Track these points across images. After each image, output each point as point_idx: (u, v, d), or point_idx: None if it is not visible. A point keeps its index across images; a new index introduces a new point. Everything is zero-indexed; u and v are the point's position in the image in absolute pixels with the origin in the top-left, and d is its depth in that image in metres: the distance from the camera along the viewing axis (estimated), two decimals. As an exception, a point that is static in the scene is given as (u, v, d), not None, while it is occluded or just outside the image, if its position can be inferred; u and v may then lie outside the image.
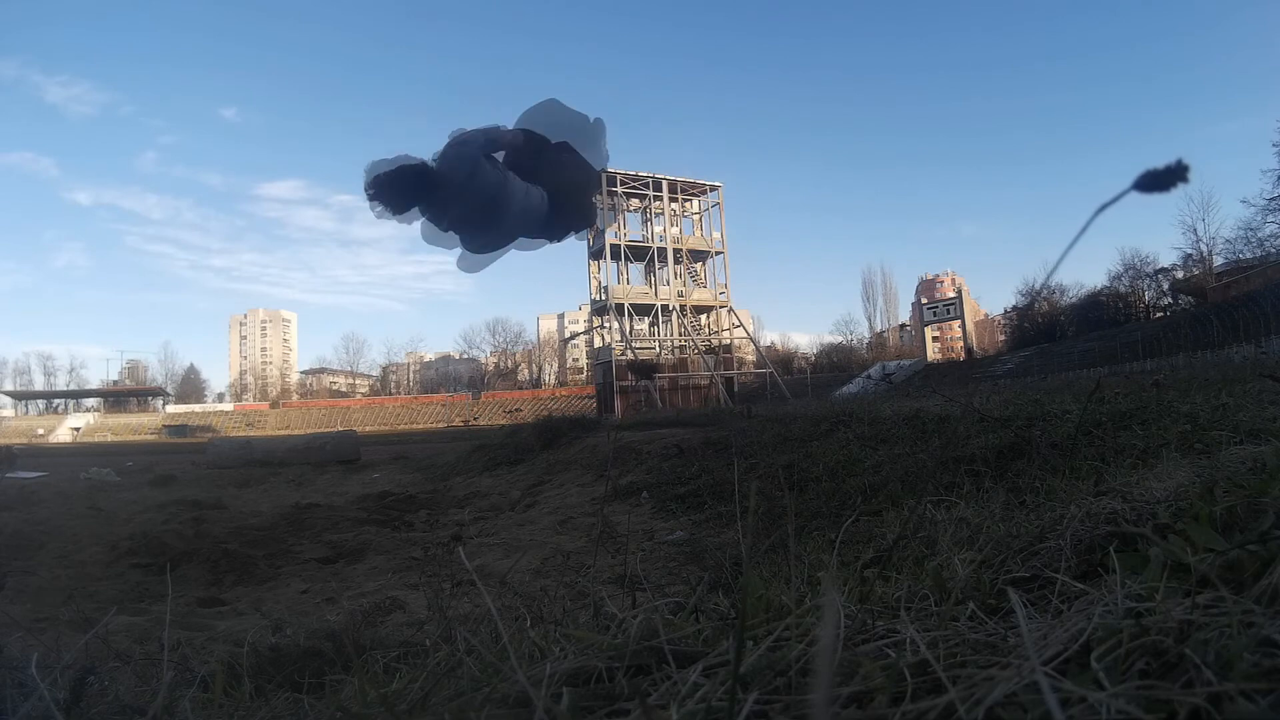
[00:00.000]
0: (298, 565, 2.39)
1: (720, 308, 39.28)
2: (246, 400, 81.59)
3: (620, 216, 37.10)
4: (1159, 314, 37.08)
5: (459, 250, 2.24)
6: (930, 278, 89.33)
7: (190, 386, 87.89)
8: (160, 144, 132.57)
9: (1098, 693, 0.41)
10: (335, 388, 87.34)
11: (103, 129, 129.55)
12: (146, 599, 1.92)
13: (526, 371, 78.34)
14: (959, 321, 44.28)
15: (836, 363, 58.33)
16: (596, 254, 36.87)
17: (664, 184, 37.51)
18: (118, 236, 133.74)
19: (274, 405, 74.90)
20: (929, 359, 43.96)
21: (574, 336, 64.56)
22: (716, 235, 39.06)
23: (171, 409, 71.01)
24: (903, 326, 68.55)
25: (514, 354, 78.38)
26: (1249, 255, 32.27)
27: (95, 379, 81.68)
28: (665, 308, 37.32)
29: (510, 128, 2.16)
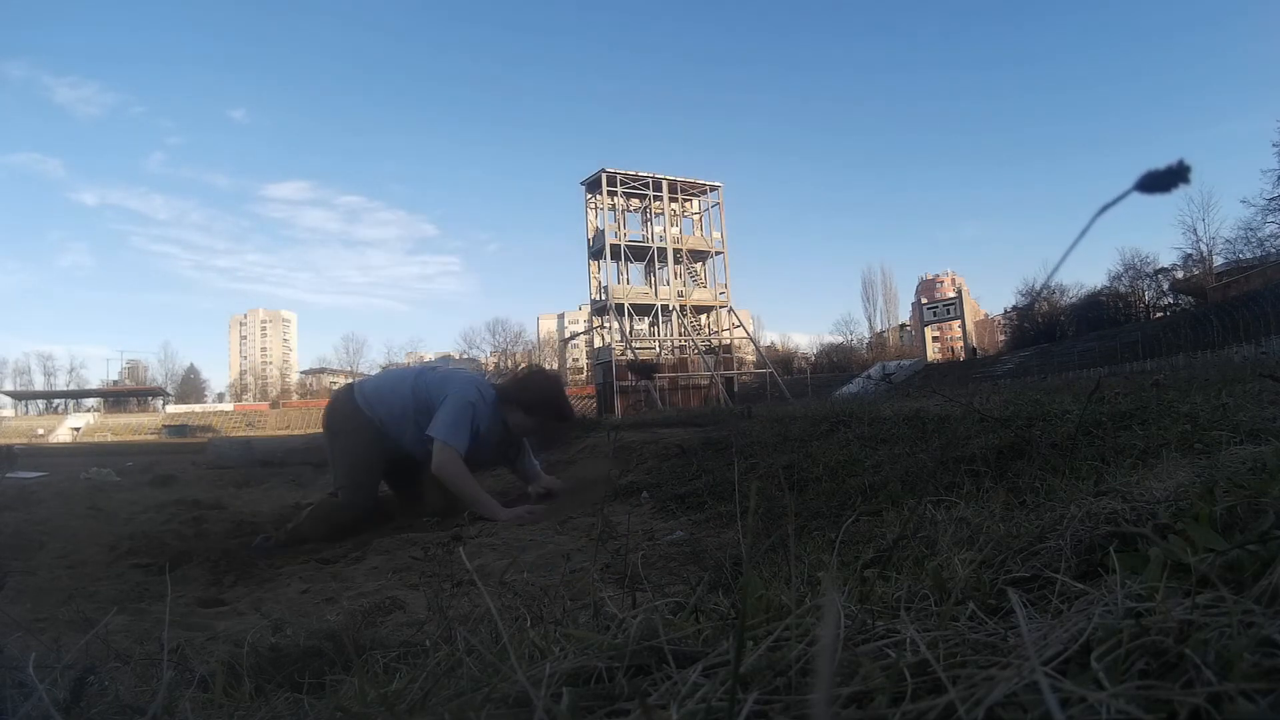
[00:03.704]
0: (298, 565, 2.39)
1: (720, 308, 39.27)
2: (246, 400, 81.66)
3: (620, 216, 37.11)
4: (1159, 314, 37.09)
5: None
6: (930, 278, 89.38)
7: (190, 386, 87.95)
8: (168, 145, 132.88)
9: (1098, 693, 0.41)
10: (335, 388, 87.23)
11: (110, 130, 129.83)
12: (146, 599, 1.92)
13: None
14: (959, 321, 44.27)
15: (836, 363, 58.33)
16: (596, 254, 36.88)
17: (664, 184, 37.49)
18: (123, 237, 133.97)
19: (274, 405, 74.95)
20: (929, 359, 43.95)
21: (574, 336, 64.55)
22: (716, 235, 39.06)
23: (171, 409, 71.04)
24: (903, 326, 68.53)
25: (514, 354, 78.39)
26: (1249, 255, 32.30)
27: (95, 379, 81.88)
28: (665, 308, 37.31)
29: None
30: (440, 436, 3.13)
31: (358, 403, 3.38)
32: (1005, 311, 54.38)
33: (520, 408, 3.35)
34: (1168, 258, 39.37)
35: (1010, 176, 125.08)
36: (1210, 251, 35.24)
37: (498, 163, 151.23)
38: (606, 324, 36.98)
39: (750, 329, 48.18)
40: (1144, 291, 40.07)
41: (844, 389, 31.29)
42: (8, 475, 6.15)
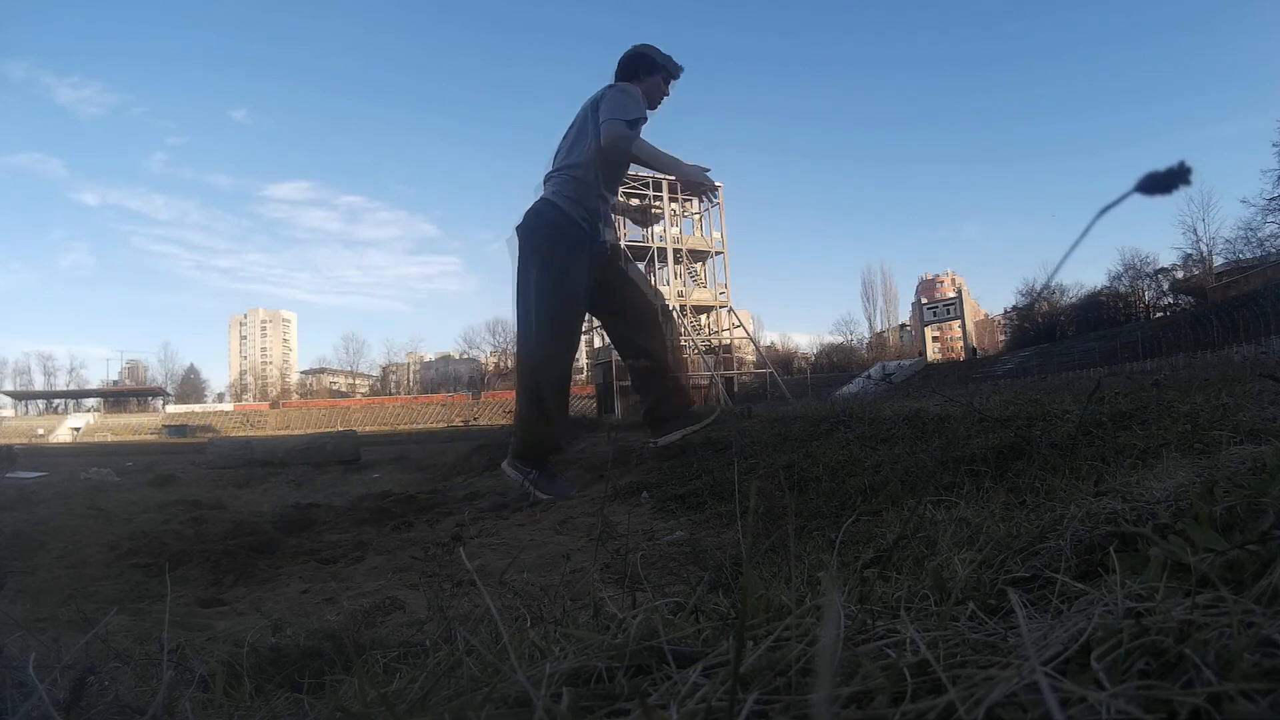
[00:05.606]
0: (298, 565, 2.39)
1: (720, 308, 39.26)
2: (246, 400, 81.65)
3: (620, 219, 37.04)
4: (1159, 314, 37.12)
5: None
6: (930, 278, 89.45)
7: (190, 386, 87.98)
8: (169, 145, 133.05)
9: (1098, 693, 0.41)
10: (335, 388, 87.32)
11: (112, 130, 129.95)
12: (146, 599, 1.92)
13: (526, 371, 78.02)
14: (959, 321, 44.28)
15: (836, 363, 58.36)
16: (596, 254, 36.81)
17: (664, 184, 37.44)
18: (123, 237, 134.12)
19: (274, 405, 74.94)
20: (929, 359, 43.95)
21: (574, 336, 64.28)
22: (716, 235, 39.04)
23: (171, 409, 71.04)
24: (903, 326, 68.54)
25: (514, 354, 78.18)
26: (1249, 255, 32.35)
27: (95, 379, 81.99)
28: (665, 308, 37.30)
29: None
30: (615, 116, 3.10)
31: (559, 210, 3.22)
32: (1005, 311, 54.44)
33: (643, 73, 3.46)
34: (1168, 258, 39.52)
35: (1011, 176, 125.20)
36: (1210, 251, 35.32)
37: (499, 163, 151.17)
38: (606, 324, 36.91)
39: (750, 329, 48.17)
40: (1144, 291, 40.12)
41: (844, 389, 31.27)
42: (8, 475, 6.15)
